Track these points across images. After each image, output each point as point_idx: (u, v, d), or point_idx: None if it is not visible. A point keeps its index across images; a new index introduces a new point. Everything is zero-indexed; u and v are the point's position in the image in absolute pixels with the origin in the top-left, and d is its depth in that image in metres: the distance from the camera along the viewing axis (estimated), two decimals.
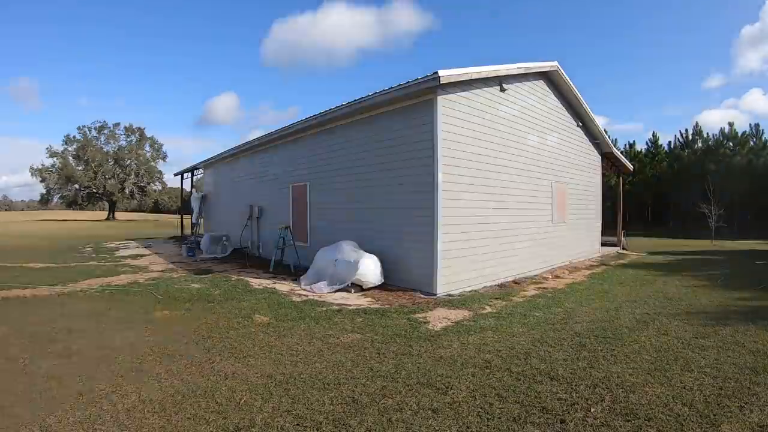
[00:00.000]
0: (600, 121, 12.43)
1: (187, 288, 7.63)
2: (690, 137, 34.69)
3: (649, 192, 34.47)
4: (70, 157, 50.41)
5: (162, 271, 9.90)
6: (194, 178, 20.98)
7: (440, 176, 6.93)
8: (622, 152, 19.77)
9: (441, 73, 6.47)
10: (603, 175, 14.42)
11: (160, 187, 57.84)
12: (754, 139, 31.53)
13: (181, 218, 23.05)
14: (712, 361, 3.90)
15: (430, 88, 6.70)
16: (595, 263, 11.65)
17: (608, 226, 15.51)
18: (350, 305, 6.33)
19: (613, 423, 2.81)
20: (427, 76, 6.59)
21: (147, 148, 54.26)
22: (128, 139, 53.34)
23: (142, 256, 13.24)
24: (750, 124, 32.29)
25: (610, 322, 5.37)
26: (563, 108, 11.05)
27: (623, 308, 6.13)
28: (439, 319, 5.53)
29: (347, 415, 2.96)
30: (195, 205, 17.92)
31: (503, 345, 4.45)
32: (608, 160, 14.81)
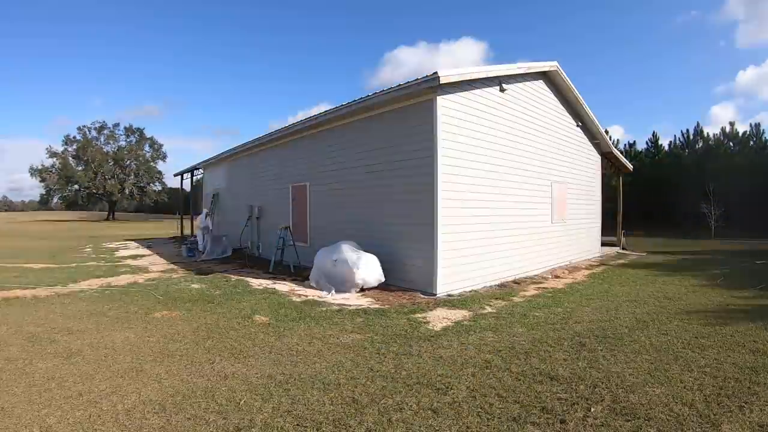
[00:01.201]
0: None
1: (187, 288, 7.63)
2: (690, 137, 34.68)
3: (649, 192, 34.44)
4: (70, 158, 50.42)
5: (162, 271, 9.90)
6: (194, 178, 21.00)
7: (440, 176, 6.93)
8: (622, 152, 19.76)
9: (441, 73, 6.47)
10: (603, 174, 14.41)
11: (159, 188, 57.85)
12: (755, 139, 31.50)
13: (181, 218, 23.07)
14: (712, 361, 3.90)
15: (430, 88, 6.70)
16: (595, 263, 11.64)
17: (608, 226, 15.49)
18: (350, 305, 6.32)
19: (613, 423, 2.81)
20: (427, 76, 6.59)
21: (147, 148, 54.29)
22: (128, 140, 53.38)
23: (142, 256, 13.24)
24: (750, 124, 32.24)
25: (610, 321, 5.37)
26: (563, 108, 11.05)
27: (623, 308, 6.13)
28: (439, 319, 5.53)
29: (347, 415, 2.96)
30: (208, 203, 17.14)
31: (503, 345, 4.45)
32: (608, 159, 14.80)
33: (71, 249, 15.35)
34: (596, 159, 13.46)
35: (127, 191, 54.15)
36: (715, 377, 3.53)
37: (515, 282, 8.40)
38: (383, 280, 7.49)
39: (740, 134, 31.93)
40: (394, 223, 7.74)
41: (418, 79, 6.75)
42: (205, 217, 16.57)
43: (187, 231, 21.16)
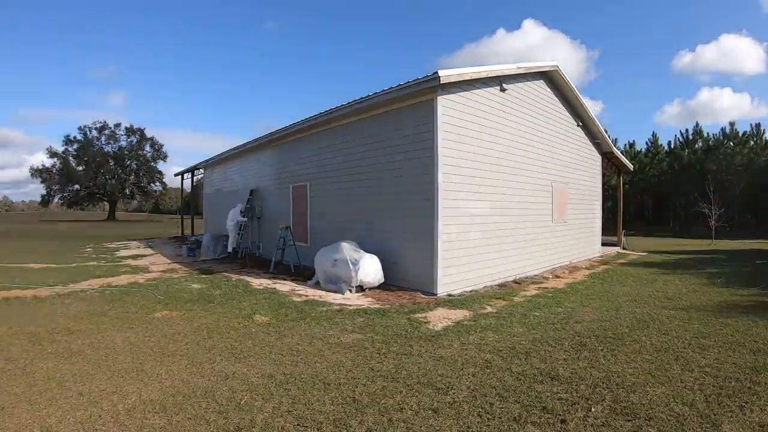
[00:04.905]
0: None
1: (188, 288, 7.63)
2: (690, 137, 34.70)
3: (649, 192, 34.49)
4: (71, 158, 50.41)
5: (162, 271, 9.90)
6: (194, 178, 21.03)
7: (440, 176, 6.93)
8: (622, 152, 19.78)
9: (441, 73, 6.47)
10: (603, 174, 14.42)
11: (160, 188, 57.86)
12: (755, 139, 31.51)
13: (182, 218, 23.09)
14: (712, 361, 3.90)
15: (431, 88, 6.70)
16: (595, 263, 11.64)
17: (608, 226, 15.52)
18: (351, 305, 6.33)
19: (613, 423, 2.81)
20: (427, 76, 6.59)
21: (147, 148, 54.28)
22: (129, 140, 53.37)
23: (142, 256, 13.24)
24: (750, 124, 32.33)
25: (610, 321, 5.36)
26: (563, 108, 11.04)
27: (623, 308, 6.13)
28: (439, 318, 5.53)
29: (348, 415, 2.96)
30: (234, 206, 13.04)
31: (504, 345, 4.45)
32: (608, 159, 14.80)
33: (71, 249, 15.35)
34: (597, 159, 13.45)
35: (127, 191, 54.22)
36: (715, 377, 3.53)
37: (516, 282, 8.40)
38: (383, 280, 7.49)
39: (740, 134, 31.93)
40: (395, 222, 7.74)
41: (418, 79, 6.75)
42: (240, 214, 13.24)
43: (187, 231, 21.17)
